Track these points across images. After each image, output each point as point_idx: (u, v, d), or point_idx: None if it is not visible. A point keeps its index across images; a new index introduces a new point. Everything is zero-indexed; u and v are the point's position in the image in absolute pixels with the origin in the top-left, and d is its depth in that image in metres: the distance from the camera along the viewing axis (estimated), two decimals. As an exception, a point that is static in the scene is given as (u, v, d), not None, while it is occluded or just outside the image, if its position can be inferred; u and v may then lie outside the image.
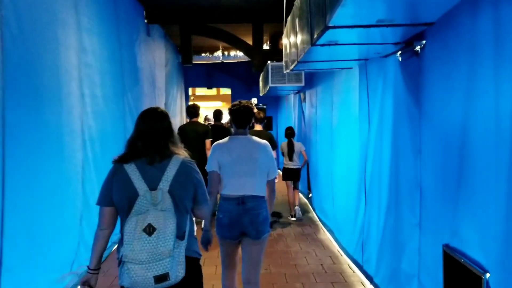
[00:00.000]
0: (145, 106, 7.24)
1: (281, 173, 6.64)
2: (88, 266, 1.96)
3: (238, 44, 8.21)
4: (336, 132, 5.17)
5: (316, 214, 6.58)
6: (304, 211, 7.05)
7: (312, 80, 6.83)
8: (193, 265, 1.96)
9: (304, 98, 7.85)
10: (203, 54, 10.67)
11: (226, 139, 2.89)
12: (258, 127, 5.84)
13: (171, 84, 9.76)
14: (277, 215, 6.77)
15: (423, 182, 2.92)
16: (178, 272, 1.81)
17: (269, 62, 7.03)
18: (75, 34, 3.92)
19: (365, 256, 4.09)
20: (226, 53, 10.58)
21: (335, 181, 5.24)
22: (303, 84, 6.85)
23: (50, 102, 3.37)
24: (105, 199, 1.94)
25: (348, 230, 4.65)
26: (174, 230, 1.79)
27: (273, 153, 3.29)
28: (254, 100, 11.17)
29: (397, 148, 3.31)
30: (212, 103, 15.23)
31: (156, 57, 7.78)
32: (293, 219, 6.41)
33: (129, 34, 5.70)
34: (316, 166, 6.57)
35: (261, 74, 9.36)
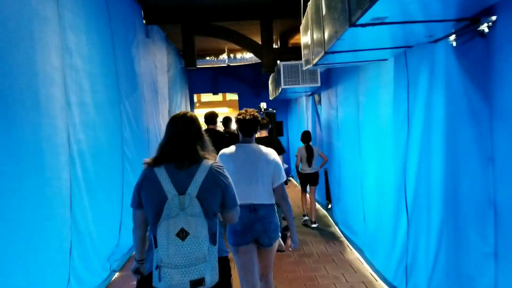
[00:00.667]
0: (147, 115, 6.75)
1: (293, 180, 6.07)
2: (135, 258, 2.15)
3: (245, 43, 7.58)
4: (365, 137, 4.51)
5: (340, 229, 5.90)
6: (324, 224, 6.37)
7: (329, 79, 6.18)
8: (223, 265, 2.01)
9: (320, 100, 7.19)
10: (207, 58, 10.07)
11: (232, 147, 2.94)
12: (263, 133, 5.41)
13: (175, 90, 9.17)
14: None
15: (498, 199, 2.26)
16: (213, 277, 1.85)
17: (280, 62, 6.40)
18: (57, 31, 3.31)
19: (410, 284, 3.41)
20: (232, 55, 9.98)
21: (366, 194, 4.56)
22: (318, 84, 6.20)
23: (23, 109, 2.75)
24: (134, 201, 2.01)
25: (384, 251, 3.97)
26: (206, 235, 1.82)
27: (280, 158, 3.19)
28: (263, 105, 10.50)
29: (455, 156, 2.64)
30: (218, 110, 14.67)
31: (157, 61, 7.18)
32: (314, 225, 6.19)
33: (124, 34, 5.10)
34: (339, 175, 5.90)
35: (271, 76, 8.72)
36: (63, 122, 3.35)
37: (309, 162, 6.26)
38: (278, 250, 2.99)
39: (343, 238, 5.59)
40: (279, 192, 2.90)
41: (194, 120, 2.05)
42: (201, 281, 1.79)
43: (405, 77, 3.26)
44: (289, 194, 2.98)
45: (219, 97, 14.40)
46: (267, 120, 5.51)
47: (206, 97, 14.39)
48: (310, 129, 8.44)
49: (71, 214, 3.40)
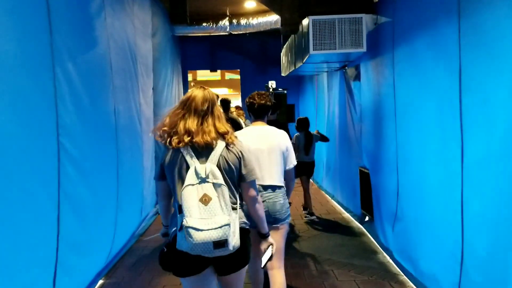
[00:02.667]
0: (115, 90, 3.76)
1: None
2: (162, 223, 2.28)
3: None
4: (473, 131, 2.62)
5: (396, 261, 4.06)
6: (362, 247, 4.55)
7: (381, 42, 4.27)
8: (243, 235, 2.04)
9: (358, 75, 5.29)
10: (204, 24, 8.10)
11: (244, 130, 3.06)
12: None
13: (164, 63, 7.23)
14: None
15: None
16: (234, 242, 1.91)
17: (308, 17, 4.47)
18: None
19: None
20: (234, 21, 8.00)
21: (470, 222, 2.69)
22: (363, 49, 4.30)
23: None
24: (157, 173, 2.10)
25: None
26: (228, 201, 1.92)
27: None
28: (272, 83, 8.60)
29: None
30: (216, 91, 12.76)
31: (136, 20, 5.24)
32: (314, 217, 5.79)
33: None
34: (397, 182, 4.03)
35: (286, 46, 6.80)
36: None
37: (307, 150, 5.84)
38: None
39: (403, 276, 3.78)
40: (290, 174, 2.93)
41: (209, 97, 2.05)
42: (223, 242, 1.86)
43: None
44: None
45: (217, 75, 12.47)
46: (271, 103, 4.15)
47: (202, 75, 12.44)
48: (336, 115, 6.57)
49: None
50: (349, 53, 4.53)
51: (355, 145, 5.59)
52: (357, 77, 5.36)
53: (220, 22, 8.08)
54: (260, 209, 2.20)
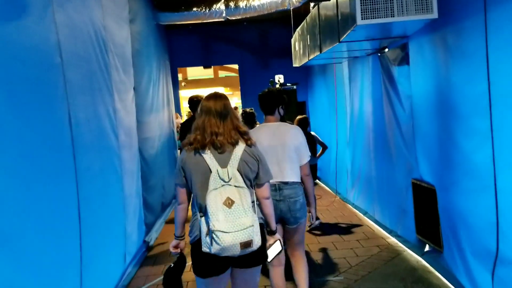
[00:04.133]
0: (73, 90, 2.04)
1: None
2: (175, 234, 2.25)
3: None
4: None
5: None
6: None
7: (464, 2, 2.93)
8: (261, 231, 2.09)
9: (404, 58, 3.95)
10: (195, 9, 6.73)
11: (257, 128, 2.99)
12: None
13: (147, 58, 5.87)
14: None
15: None
16: (257, 241, 1.99)
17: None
18: None
19: None
20: (232, 4, 6.64)
21: None
22: (433, 14, 2.96)
23: None
24: (179, 178, 2.13)
25: None
26: (250, 203, 1.99)
27: None
28: (280, 78, 7.28)
29: None
30: (211, 90, 11.39)
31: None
32: (318, 221, 5.22)
33: None
34: (494, 203, 2.68)
35: (302, 27, 5.46)
36: None
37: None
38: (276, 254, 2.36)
39: None
40: (305, 169, 2.89)
41: (226, 102, 2.14)
42: (249, 243, 1.94)
43: None
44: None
45: (210, 72, 11.11)
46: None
47: (194, 72, 11.06)
48: (367, 113, 5.27)
49: None
50: (404, 25, 3.19)
51: (401, 150, 4.26)
52: (404, 61, 4.03)
53: (214, 5, 6.71)
54: (271, 206, 2.25)
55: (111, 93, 3.67)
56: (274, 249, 2.29)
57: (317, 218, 5.23)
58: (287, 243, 2.99)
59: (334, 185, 7.06)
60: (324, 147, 5.52)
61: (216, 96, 2.15)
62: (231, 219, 1.90)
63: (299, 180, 2.86)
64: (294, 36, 6.11)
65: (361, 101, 5.50)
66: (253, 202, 2.08)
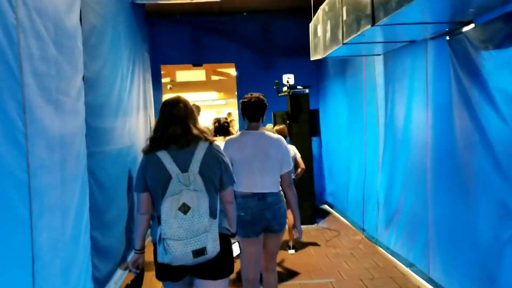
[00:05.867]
0: None
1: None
2: (134, 248, 2.12)
3: None
4: None
5: None
6: None
7: None
8: (224, 242, 2.03)
9: (508, 37, 2.42)
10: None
11: (238, 134, 2.94)
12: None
13: (113, 42, 4.32)
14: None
15: None
16: (214, 248, 1.91)
17: None
18: None
19: None
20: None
21: None
22: None
23: None
24: (140, 185, 2.05)
25: None
26: (207, 208, 1.89)
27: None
28: (289, 78, 5.76)
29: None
30: (204, 96, 9.73)
31: None
32: (292, 251, 4.72)
33: None
34: None
35: (326, 3, 3.93)
36: None
37: None
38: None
39: None
40: (286, 180, 2.83)
41: (186, 102, 2.12)
42: (202, 250, 1.87)
43: None
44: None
45: (201, 75, 9.54)
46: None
47: (185, 75, 9.47)
48: (421, 125, 3.73)
49: None
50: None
51: (491, 182, 2.71)
52: (508, 41, 2.50)
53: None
54: (234, 211, 2.21)
55: (14, 74, 2.06)
56: (234, 250, 2.23)
57: (293, 247, 4.78)
58: (264, 256, 2.92)
59: (356, 218, 5.48)
60: (300, 167, 4.91)
61: (174, 98, 2.15)
62: (186, 225, 1.84)
63: (280, 189, 2.86)
64: (314, 18, 4.57)
65: (408, 109, 3.95)
66: (215, 209, 2.02)
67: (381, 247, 4.64)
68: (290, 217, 3.89)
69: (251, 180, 2.74)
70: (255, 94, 2.87)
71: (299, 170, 4.98)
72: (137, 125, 5.11)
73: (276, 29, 7.20)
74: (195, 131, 2.05)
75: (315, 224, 5.79)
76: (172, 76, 9.51)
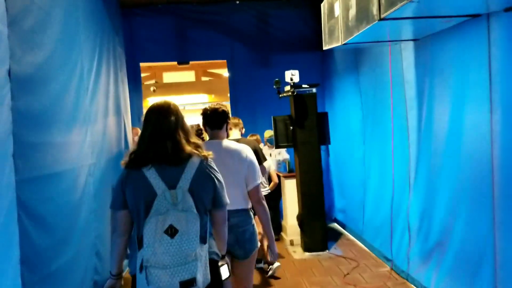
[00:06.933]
0: None
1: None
2: (110, 272, 1.91)
3: None
4: None
5: None
6: None
7: None
8: (213, 269, 1.84)
9: None
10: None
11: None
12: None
13: (66, 27, 3.31)
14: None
15: None
16: (204, 278, 1.72)
17: None
18: None
19: None
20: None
21: None
22: None
23: None
24: (118, 202, 1.81)
25: None
26: (197, 231, 1.67)
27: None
28: (293, 75, 4.79)
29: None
30: (193, 98, 8.72)
31: None
32: (260, 265, 4.33)
33: None
34: None
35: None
36: None
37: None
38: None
39: None
40: (254, 195, 2.53)
41: (176, 110, 1.84)
42: (192, 281, 1.63)
43: None
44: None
45: (190, 76, 8.53)
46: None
47: (171, 76, 8.45)
48: (488, 132, 2.70)
49: None
50: None
51: None
52: None
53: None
54: (227, 234, 2.01)
55: None
56: (222, 273, 1.96)
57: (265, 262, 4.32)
58: (234, 279, 2.54)
59: (378, 244, 4.49)
60: (273, 181, 4.76)
61: (163, 104, 1.85)
62: (172, 251, 1.60)
63: (248, 207, 2.55)
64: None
65: (456, 110, 2.98)
66: (205, 232, 1.78)
67: (415, 286, 3.65)
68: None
69: None
70: (215, 104, 2.71)
71: (271, 184, 4.83)
72: (104, 135, 4.09)
73: (274, 19, 6.22)
74: (188, 148, 1.79)
75: (327, 251, 4.80)
76: (158, 76, 8.50)
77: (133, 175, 1.76)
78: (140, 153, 1.78)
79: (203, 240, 1.74)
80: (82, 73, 3.56)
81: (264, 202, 2.56)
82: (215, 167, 1.90)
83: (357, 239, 5.19)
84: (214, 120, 2.59)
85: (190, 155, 1.79)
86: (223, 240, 1.99)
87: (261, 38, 6.25)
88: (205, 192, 1.82)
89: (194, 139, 1.86)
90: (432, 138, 3.37)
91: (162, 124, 1.77)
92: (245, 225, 2.51)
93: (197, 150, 1.83)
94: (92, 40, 3.95)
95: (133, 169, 1.77)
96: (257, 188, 2.53)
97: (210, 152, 1.89)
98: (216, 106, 2.66)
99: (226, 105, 4.79)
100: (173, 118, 1.79)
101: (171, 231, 1.62)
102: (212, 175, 1.85)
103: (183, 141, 1.78)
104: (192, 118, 5.52)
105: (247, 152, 2.56)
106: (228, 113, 2.67)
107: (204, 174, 1.81)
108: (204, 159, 1.83)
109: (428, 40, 3.30)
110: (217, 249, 1.95)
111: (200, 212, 1.75)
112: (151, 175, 1.73)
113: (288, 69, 4.90)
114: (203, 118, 2.64)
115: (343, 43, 3.15)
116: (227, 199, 1.94)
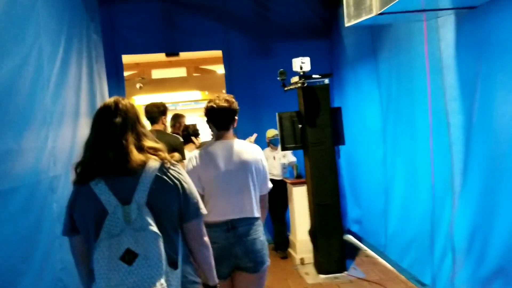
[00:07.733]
0: None
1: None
2: None
3: None
4: None
5: None
6: None
7: None
8: None
9: None
10: None
11: (208, 146, 2.35)
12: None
13: (23, 22, 2.55)
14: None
15: None
16: None
17: None
18: None
19: None
20: None
21: None
22: None
23: None
24: (67, 227, 1.54)
25: None
26: (161, 254, 1.39)
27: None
28: (303, 63, 4.04)
29: None
30: (184, 95, 7.97)
31: None
32: None
33: None
34: None
35: None
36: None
37: None
38: None
39: None
40: (265, 200, 2.41)
41: (126, 110, 1.52)
42: None
43: None
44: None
45: (181, 72, 7.76)
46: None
47: (160, 73, 7.68)
48: None
49: None
50: None
51: None
52: None
53: None
54: (210, 256, 1.64)
55: None
56: None
57: None
58: None
59: (406, 264, 3.77)
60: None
61: (109, 104, 1.52)
62: (131, 282, 1.33)
63: (259, 215, 2.33)
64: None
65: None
66: (176, 254, 1.49)
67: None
68: None
69: (224, 203, 2.24)
70: (223, 96, 2.35)
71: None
72: (74, 140, 3.32)
73: (274, 4, 5.48)
74: (137, 156, 1.44)
75: (345, 272, 4.05)
76: (146, 73, 7.72)
77: (81, 192, 1.49)
78: (85, 165, 1.49)
79: (173, 265, 1.47)
80: (40, 58, 2.78)
81: (268, 207, 2.48)
82: (181, 171, 1.57)
83: (378, 255, 4.46)
84: (221, 120, 2.29)
85: (144, 162, 1.47)
86: (204, 264, 1.63)
87: (260, 24, 5.50)
88: (168, 204, 1.50)
89: (150, 142, 1.52)
90: (489, 136, 2.65)
91: (104, 129, 1.48)
92: (254, 234, 2.27)
93: (155, 154, 1.52)
94: (56, 18, 3.18)
95: (81, 185, 1.48)
96: (267, 195, 2.41)
97: (175, 154, 1.57)
98: (223, 104, 2.29)
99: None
100: (118, 120, 1.47)
101: (129, 257, 1.36)
102: (175, 181, 1.51)
103: (132, 147, 1.46)
104: (187, 118, 4.79)
105: (262, 154, 2.39)
106: (237, 110, 2.35)
107: (163, 182, 1.48)
108: (165, 162, 1.51)
109: (478, 12, 2.58)
110: (196, 277, 1.71)
111: (166, 230, 1.47)
112: (100, 190, 1.44)
113: (291, 59, 4.17)
114: (208, 115, 2.33)
115: (378, 12, 2.40)
116: (202, 209, 1.58)
